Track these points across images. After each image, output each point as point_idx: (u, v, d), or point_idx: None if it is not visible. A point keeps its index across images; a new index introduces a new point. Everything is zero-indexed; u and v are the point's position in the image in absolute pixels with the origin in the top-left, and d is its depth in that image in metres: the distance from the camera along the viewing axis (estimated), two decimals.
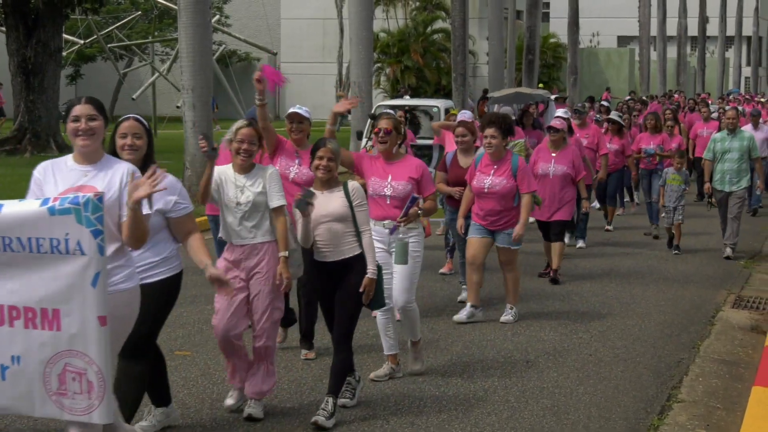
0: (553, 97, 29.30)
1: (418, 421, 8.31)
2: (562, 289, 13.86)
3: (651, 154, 19.23)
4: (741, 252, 16.83)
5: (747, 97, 54.06)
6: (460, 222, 12.32)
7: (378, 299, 8.43)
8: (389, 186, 9.38)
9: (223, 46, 53.45)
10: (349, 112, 10.39)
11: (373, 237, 8.65)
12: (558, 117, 15.50)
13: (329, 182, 8.42)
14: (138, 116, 7.31)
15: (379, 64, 55.40)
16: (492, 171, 11.74)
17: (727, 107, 23.48)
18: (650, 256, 16.59)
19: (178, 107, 33.75)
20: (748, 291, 14.09)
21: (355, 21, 25.51)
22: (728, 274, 15.19)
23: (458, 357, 10.24)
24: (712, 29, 75.97)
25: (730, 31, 79.69)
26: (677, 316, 12.38)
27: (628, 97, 42.30)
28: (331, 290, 8.39)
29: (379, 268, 8.45)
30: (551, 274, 14.42)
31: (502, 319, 11.82)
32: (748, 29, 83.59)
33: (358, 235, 8.33)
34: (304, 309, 10.20)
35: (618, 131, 19.76)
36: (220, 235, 8.63)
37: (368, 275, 8.27)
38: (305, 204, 8.08)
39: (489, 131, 11.64)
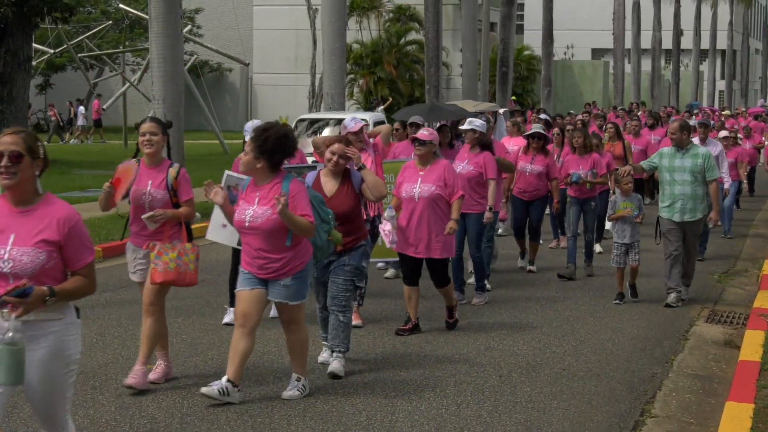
0: (501, 111, 28.30)
1: None
2: (536, 303, 13.78)
3: (576, 181, 15.65)
4: (716, 266, 16.77)
5: (712, 110, 53.75)
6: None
7: None
8: (7, 257, 5.73)
9: (195, 56, 53.29)
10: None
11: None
12: (428, 129, 12.57)
13: None
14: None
15: (352, 76, 55.37)
16: (256, 199, 8.89)
17: (672, 119, 19.43)
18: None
19: None
20: (722, 306, 14.04)
21: (328, 32, 25.43)
22: (702, 289, 15.11)
23: (431, 371, 10.15)
24: (687, 42, 76.54)
25: (705, 44, 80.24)
26: (651, 331, 12.32)
27: (584, 110, 38.49)
28: None
29: None
30: (448, 318, 12.08)
31: (285, 395, 9.14)
32: (722, 43, 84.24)
33: None
34: None
35: (541, 149, 16.07)
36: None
37: None
38: None
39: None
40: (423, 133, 11.83)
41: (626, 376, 10.24)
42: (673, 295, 13.72)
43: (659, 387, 9.86)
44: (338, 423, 8.47)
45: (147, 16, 23.42)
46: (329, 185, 10.16)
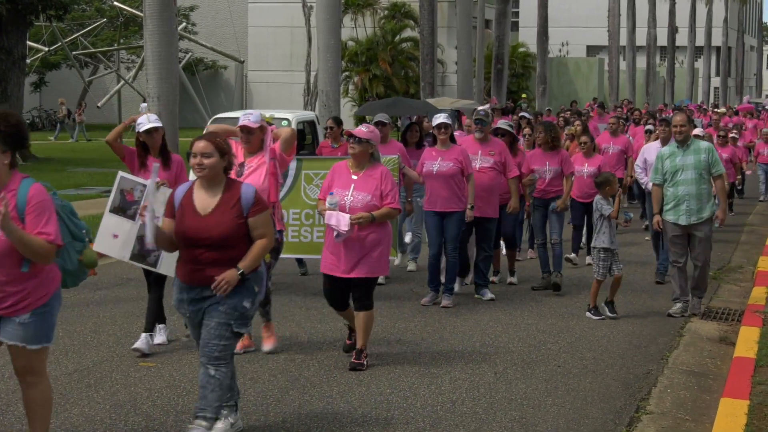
0: (480, 108, 27.24)
1: None
2: (531, 300, 13.78)
3: (535, 181, 14.63)
4: (711, 263, 16.62)
5: (704, 108, 53.32)
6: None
7: None
8: None
9: (190, 53, 53.35)
10: None
11: None
12: (366, 125, 10.45)
13: None
14: None
15: (347, 73, 55.38)
16: None
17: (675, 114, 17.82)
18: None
19: None
20: (717, 302, 14.06)
21: (323, 29, 25.38)
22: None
23: (426, 368, 10.14)
24: (682, 39, 76.55)
25: (700, 41, 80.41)
26: (646, 327, 12.33)
27: (567, 108, 35.68)
28: None
29: None
30: (355, 359, 10.05)
31: None
32: (717, 39, 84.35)
33: None
34: None
35: (509, 146, 14.40)
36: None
37: None
38: None
39: None
40: (360, 130, 10.10)
41: (621, 372, 10.25)
42: (678, 305, 13.01)
43: (654, 384, 9.87)
44: (333, 420, 8.46)
45: (141, 14, 23.38)
46: (203, 200, 7.65)
